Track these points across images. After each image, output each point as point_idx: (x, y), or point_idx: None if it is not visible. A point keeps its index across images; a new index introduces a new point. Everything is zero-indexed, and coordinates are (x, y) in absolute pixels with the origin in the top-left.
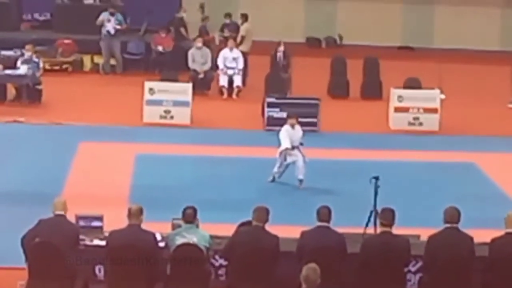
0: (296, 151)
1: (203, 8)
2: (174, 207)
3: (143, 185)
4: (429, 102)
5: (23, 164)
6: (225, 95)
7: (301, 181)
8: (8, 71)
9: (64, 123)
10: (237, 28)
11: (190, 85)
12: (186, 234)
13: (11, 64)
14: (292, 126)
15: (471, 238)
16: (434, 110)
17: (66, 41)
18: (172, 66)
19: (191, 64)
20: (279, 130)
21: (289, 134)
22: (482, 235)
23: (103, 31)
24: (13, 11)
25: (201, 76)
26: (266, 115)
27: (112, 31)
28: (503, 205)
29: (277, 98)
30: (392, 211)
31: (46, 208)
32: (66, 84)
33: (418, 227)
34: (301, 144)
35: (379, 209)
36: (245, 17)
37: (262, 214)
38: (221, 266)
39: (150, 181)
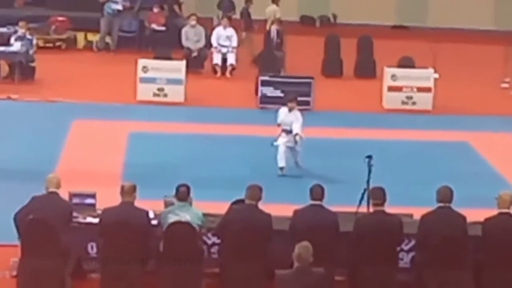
0: (291, 136)
1: None
2: (167, 185)
3: (136, 162)
4: (423, 81)
5: (16, 141)
6: (219, 73)
7: (296, 163)
8: (1, 48)
9: (58, 100)
10: (232, 6)
11: (183, 63)
12: (179, 212)
13: (4, 41)
14: (290, 109)
15: (464, 218)
16: (427, 89)
17: (60, 18)
18: (165, 44)
19: (184, 42)
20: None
21: (283, 116)
22: (474, 214)
23: (107, 8)
24: None
25: (195, 54)
26: (259, 93)
27: (121, 8)
28: (495, 184)
29: (270, 76)
30: (382, 189)
31: (39, 185)
32: (59, 61)
33: (411, 206)
34: (300, 137)
35: (371, 188)
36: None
37: (255, 192)
38: (214, 244)
39: (143, 159)
